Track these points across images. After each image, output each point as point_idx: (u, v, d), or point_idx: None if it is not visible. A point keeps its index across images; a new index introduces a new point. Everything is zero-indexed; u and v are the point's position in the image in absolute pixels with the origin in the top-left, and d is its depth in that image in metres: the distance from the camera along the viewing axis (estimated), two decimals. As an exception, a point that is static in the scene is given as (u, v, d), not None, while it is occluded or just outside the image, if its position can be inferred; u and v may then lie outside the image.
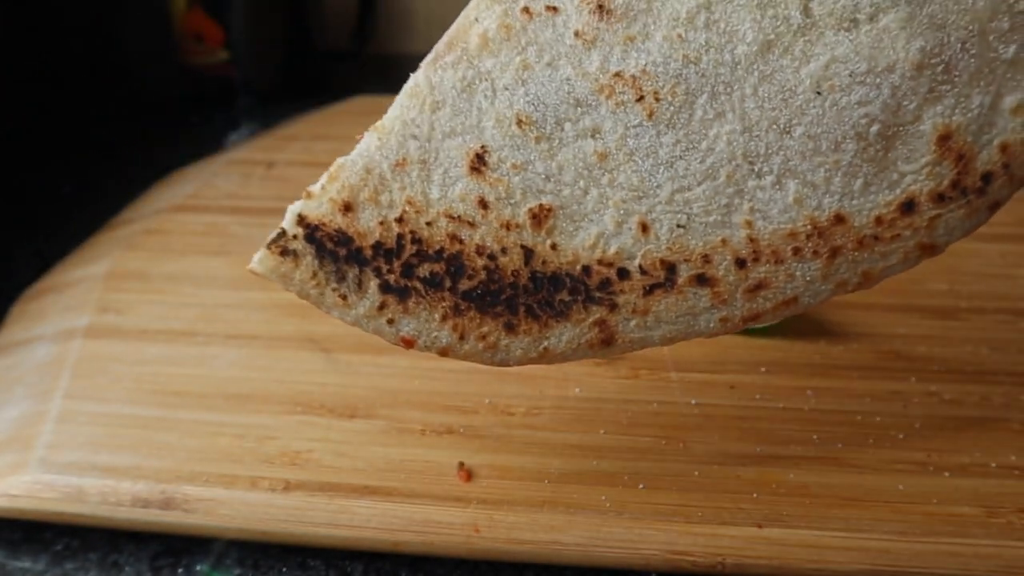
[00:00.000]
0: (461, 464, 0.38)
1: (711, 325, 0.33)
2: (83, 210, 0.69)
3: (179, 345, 0.46)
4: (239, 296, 0.50)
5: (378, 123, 0.32)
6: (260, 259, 0.31)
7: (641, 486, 0.37)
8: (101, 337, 0.47)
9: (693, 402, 0.42)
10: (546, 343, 0.32)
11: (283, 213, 0.31)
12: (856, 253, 0.32)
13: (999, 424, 0.40)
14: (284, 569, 0.37)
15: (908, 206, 0.32)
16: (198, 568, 0.37)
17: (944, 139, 0.32)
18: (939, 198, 0.32)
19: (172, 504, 0.37)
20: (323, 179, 0.31)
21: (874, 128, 0.32)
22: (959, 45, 0.31)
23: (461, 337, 0.32)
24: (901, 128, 0.32)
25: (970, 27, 0.31)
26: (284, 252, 0.31)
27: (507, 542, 0.36)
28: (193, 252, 0.55)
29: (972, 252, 0.56)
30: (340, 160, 0.31)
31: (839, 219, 0.32)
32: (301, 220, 0.31)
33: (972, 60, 0.31)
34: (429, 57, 0.32)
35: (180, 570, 0.37)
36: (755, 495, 0.37)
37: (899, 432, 0.40)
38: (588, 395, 0.42)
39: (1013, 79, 0.32)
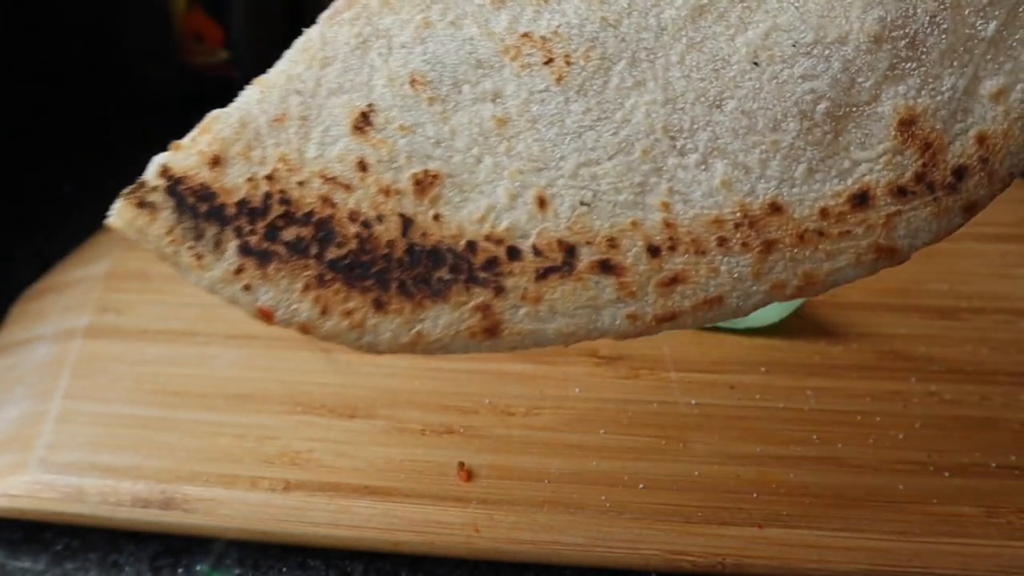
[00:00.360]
0: (461, 464, 0.38)
1: (617, 322, 0.29)
2: (83, 210, 0.69)
3: (179, 345, 0.46)
4: (239, 296, 0.50)
5: (263, 76, 0.29)
6: (117, 210, 0.28)
7: (641, 486, 0.37)
8: (101, 337, 0.47)
9: (693, 402, 0.42)
10: (419, 326, 0.28)
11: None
12: (795, 250, 0.28)
13: (999, 424, 0.40)
14: (284, 569, 0.37)
15: (861, 198, 0.28)
16: (198, 568, 0.37)
17: (907, 124, 0.28)
18: (899, 192, 0.28)
19: (172, 504, 0.37)
20: (195, 131, 0.29)
21: (821, 106, 0.28)
22: (927, 18, 0.28)
23: (323, 312, 0.28)
24: (855, 108, 0.28)
25: None
26: (142, 204, 0.28)
27: (507, 542, 0.36)
28: (193, 252, 0.55)
29: (972, 252, 0.56)
30: (215, 112, 0.29)
31: (775, 208, 0.28)
32: (164, 171, 0.28)
33: (943, 36, 0.28)
34: (327, 12, 0.29)
35: (180, 570, 0.37)
36: (755, 495, 0.37)
37: (899, 432, 0.40)
38: (588, 395, 0.42)
39: (994, 60, 0.28)
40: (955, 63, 0.28)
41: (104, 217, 0.70)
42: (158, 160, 0.29)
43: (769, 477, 0.37)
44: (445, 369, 0.44)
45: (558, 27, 0.28)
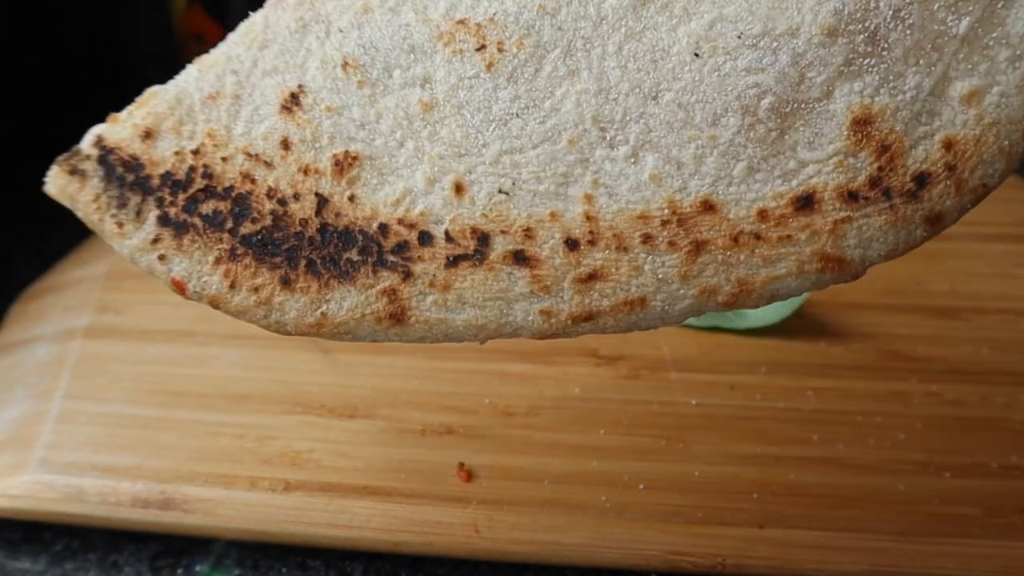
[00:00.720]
0: (461, 464, 0.38)
1: (531, 318, 0.28)
2: (83, 210, 0.68)
3: (179, 345, 0.46)
4: (239, 296, 0.50)
5: (204, 55, 0.30)
6: (51, 176, 0.29)
7: (641, 486, 0.37)
8: (101, 337, 0.47)
9: (693, 402, 0.42)
10: (325, 307, 0.28)
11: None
12: (729, 253, 0.27)
13: (1000, 424, 0.40)
14: (284, 569, 0.37)
15: (805, 201, 0.26)
16: (198, 568, 0.37)
17: (861, 123, 0.26)
18: (850, 196, 0.26)
19: (172, 504, 0.37)
20: (133, 104, 0.29)
21: (765, 101, 0.26)
22: (890, 12, 0.26)
23: (232, 286, 0.28)
24: (803, 105, 0.26)
25: None
26: (74, 171, 0.29)
27: (507, 542, 0.36)
28: (193, 252, 0.55)
29: (972, 252, 0.56)
30: (154, 88, 0.29)
31: (708, 206, 0.27)
32: (98, 141, 0.29)
33: (908, 32, 0.26)
34: None
35: (180, 570, 0.37)
36: (755, 495, 0.37)
37: (900, 432, 0.40)
38: (588, 395, 0.42)
39: (967, 60, 0.26)
40: (921, 61, 0.26)
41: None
42: (94, 131, 0.29)
43: (770, 477, 0.37)
44: (445, 369, 0.44)
45: (494, 14, 0.28)
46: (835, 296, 0.51)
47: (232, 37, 0.29)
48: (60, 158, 0.29)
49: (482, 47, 0.28)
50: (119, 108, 0.30)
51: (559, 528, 0.36)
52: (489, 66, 0.27)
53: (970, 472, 0.38)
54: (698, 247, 0.27)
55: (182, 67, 0.30)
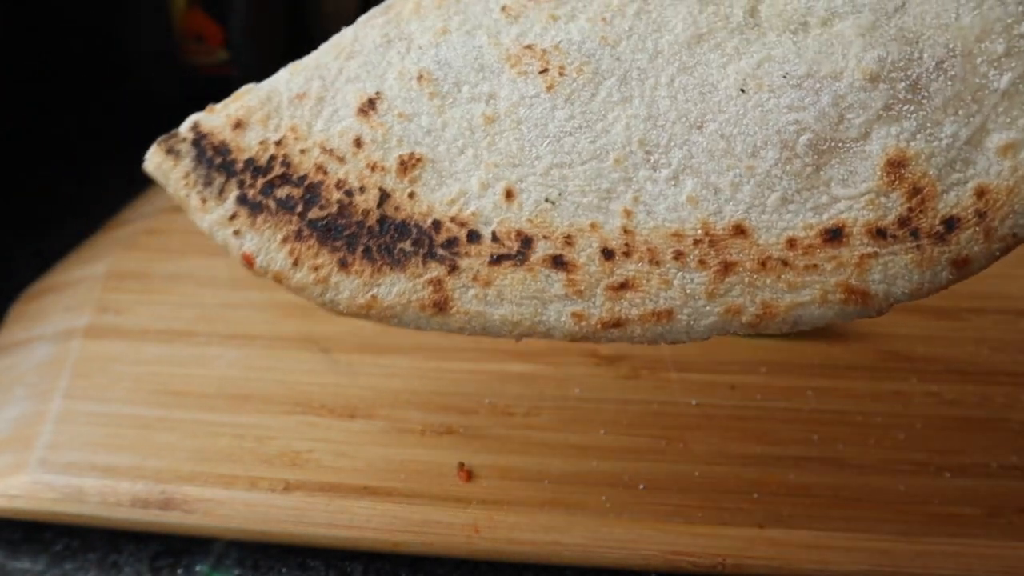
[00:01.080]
0: (461, 464, 0.38)
1: (563, 319, 0.29)
2: (83, 210, 0.69)
3: (179, 345, 0.46)
4: (239, 296, 0.50)
5: (297, 61, 0.33)
6: (150, 154, 0.33)
7: (641, 486, 0.37)
8: (101, 337, 0.47)
9: (693, 402, 0.42)
10: (376, 290, 0.30)
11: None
12: (756, 275, 0.28)
13: (1000, 424, 0.40)
14: (284, 569, 0.37)
15: (834, 234, 0.27)
16: (198, 568, 0.37)
17: (895, 165, 0.27)
18: (878, 233, 0.27)
19: (172, 504, 0.37)
20: (229, 98, 0.33)
21: (804, 138, 0.28)
22: (933, 63, 0.27)
23: (295, 263, 0.31)
24: (841, 144, 0.28)
25: (951, 45, 0.27)
26: (170, 151, 0.32)
27: (507, 542, 0.36)
28: (193, 252, 0.55)
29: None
30: (250, 85, 0.33)
31: (739, 230, 0.28)
32: (195, 127, 0.33)
33: (949, 83, 0.27)
34: (365, 16, 0.33)
35: (180, 570, 0.37)
36: (755, 495, 0.37)
37: (900, 432, 0.40)
38: (588, 395, 0.42)
39: (1007, 113, 0.27)
40: (960, 111, 0.27)
41: (104, 217, 0.71)
42: (192, 117, 0.33)
43: (769, 477, 0.37)
44: (445, 369, 0.44)
45: (559, 42, 0.30)
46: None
47: (324, 47, 0.33)
48: (160, 138, 0.33)
49: (545, 70, 0.30)
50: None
51: (559, 528, 0.36)
52: (549, 88, 0.30)
53: (970, 472, 0.38)
54: (727, 267, 0.28)
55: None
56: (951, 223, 0.27)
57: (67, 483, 0.38)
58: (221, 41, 0.87)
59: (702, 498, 0.37)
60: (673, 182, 0.29)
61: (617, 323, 0.29)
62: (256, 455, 0.39)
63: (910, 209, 0.27)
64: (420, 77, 0.31)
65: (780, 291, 0.28)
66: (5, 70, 0.75)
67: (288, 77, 0.33)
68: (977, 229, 0.27)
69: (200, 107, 0.33)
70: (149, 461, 0.39)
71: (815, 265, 0.28)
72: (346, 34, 0.33)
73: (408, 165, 0.30)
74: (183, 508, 0.37)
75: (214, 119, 0.33)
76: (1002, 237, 0.27)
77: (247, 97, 0.33)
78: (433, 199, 0.30)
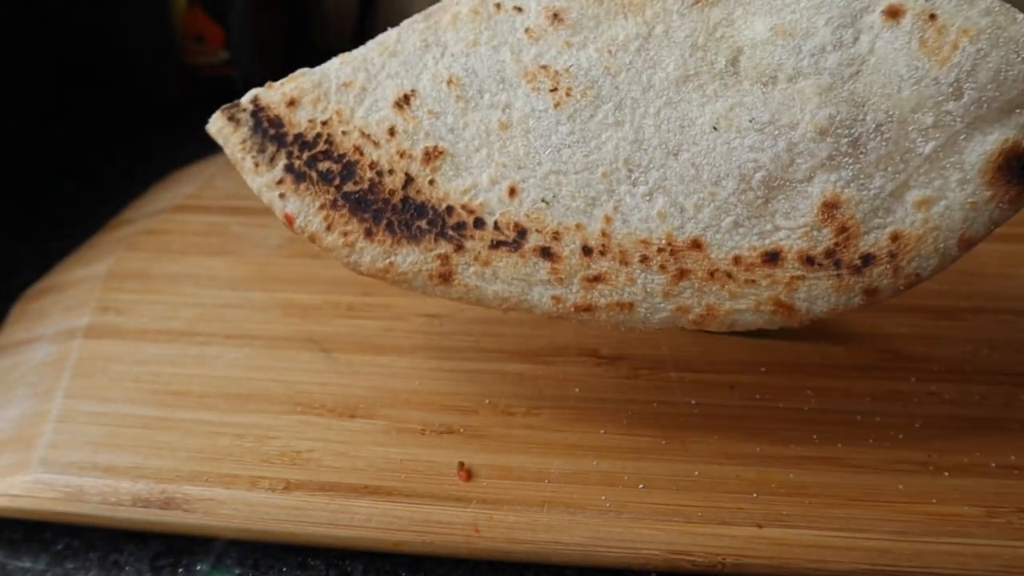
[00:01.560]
0: (461, 464, 0.38)
1: (544, 300, 0.34)
2: (84, 210, 0.69)
3: (179, 345, 0.46)
4: (239, 296, 0.50)
5: (347, 52, 0.37)
6: (213, 119, 0.37)
7: (641, 486, 0.37)
8: (101, 337, 0.47)
9: (693, 402, 0.42)
10: (393, 258, 0.35)
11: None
12: (704, 283, 0.33)
13: (999, 424, 0.40)
14: (284, 569, 0.37)
15: (772, 256, 0.33)
16: (198, 568, 0.37)
17: (830, 206, 0.32)
18: (808, 260, 0.33)
19: (172, 504, 0.37)
20: (285, 79, 0.37)
21: (759, 175, 0.33)
22: (874, 125, 0.32)
23: (328, 227, 0.35)
24: (788, 184, 0.33)
25: (890, 112, 0.32)
26: (231, 118, 0.37)
27: (507, 542, 0.36)
28: (193, 252, 0.55)
29: (972, 252, 0.56)
30: (304, 69, 0.37)
31: (696, 244, 0.33)
32: (255, 99, 0.37)
33: (884, 144, 0.32)
34: (409, 20, 0.37)
35: (180, 570, 0.37)
36: (755, 495, 0.37)
37: (899, 432, 0.40)
38: (588, 395, 0.42)
39: (926, 175, 0.32)
40: (889, 168, 0.32)
41: (105, 217, 0.71)
42: (253, 91, 0.37)
43: (769, 477, 0.37)
44: (445, 369, 0.44)
45: (570, 66, 0.35)
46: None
47: (372, 43, 0.37)
48: (224, 106, 0.37)
49: (555, 89, 0.35)
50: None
51: (559, 528, 0.36)
52: (557, 104, 0.34)
53: (969, 471, 0.38)
54: (682, 274, 0.33)
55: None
56: (867, 259, 0.32)
57: (68, 483, 0.38)
58: (221, 41, 0.87)
59: (702, 498, 0.37)
60: (648, 198, 0.34)
61: (588, 308, 0.34)
62: (256, 455, 0.39)
63: (836, 243, 0.33)
64: (450, 81, 0.35)
65: (723, 297, 0.33)
66: (6, 70, 0.75)
67: (338, 66, 0.37)
68: (888, 266, 0.32)
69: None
70: (150, 461, 0.39)
71: (753, 280, 0.33)
72: (391, 34, 0.37)
73: (432, 156, 0.35)
74: (184, 508, 0.37)
75: (272, 95, 0.37)
76: (907, 275, 0.33)
77: (301, 79, 0.37)
78: (449, 187, 0.35)
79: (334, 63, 0.37)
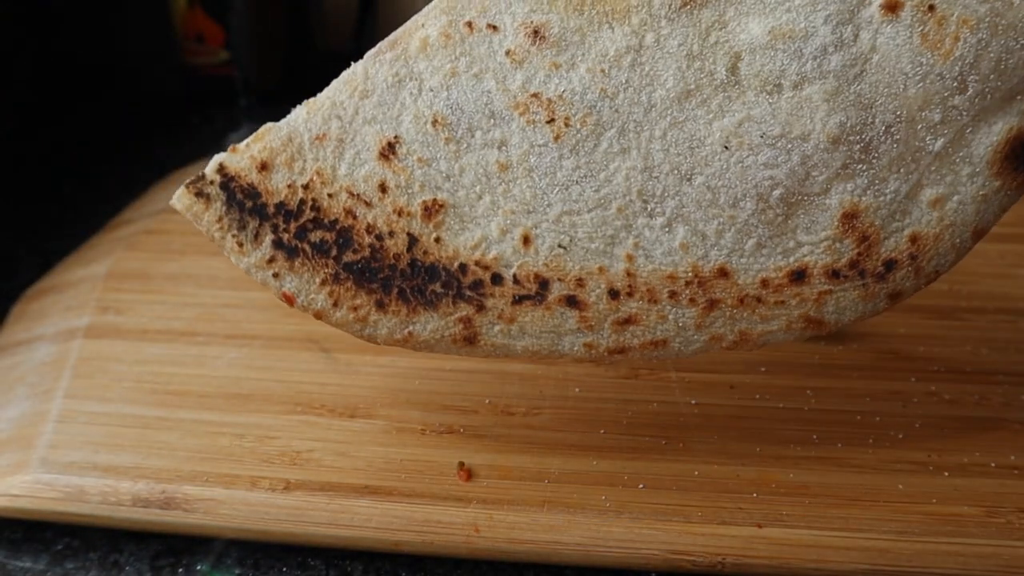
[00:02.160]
0: (461, 464, 0.38)
1: (575, 348, 0.34)
2: (83, 210, 0.69)
3: (179, 345, 0.46)
4: (239, 296, 0.50)
5: (312, 99, 0.33)
6: (179, 196, 0.33)
7: (641, 486, 0.37)
8: (102, 337, 0.47)
9: (693, 402, 0.42)
10: (411, 327, 0.33)
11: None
12: (735, 310, 0.33)
13: (999, 424, 0.40)
14: (284, 569, 0.37)
15: (799, 275, 0.33)
16: (198, 567, 0.37)
17: (849, 217, 0.32)
18: (834, 274, 0.33)
19: (172, 504, 0.37)
20: (250, 138, 0.33)
21: (777, 192, 0.32)
22: (883, 128, 0.32)
23: (335, 304, 0.33)
24: (806, 198, 0.32)
25: (898, 112, 0.32)
26: (199, 194, 0.33)
27: (507, 542, 0.36)
28: (193, 252, 0.55)
29: (972, 252, 0.56)
30: (269, 124, 0.33)
31: (723, 273, 0.33)
32: (221, 169, 0.33)
33: (895, 145, 0.32)
34: (372, 51, 0.33)
35: (180, 570, 0.37)
36: (755, 495, 0.37)
37: (899, 432, 0.40)
38: (588, 395, 0.42)
39: (937, 172, 0.32)
40: (902, 170, 0.32)
41: (105, 217, 0.71)
42: (217, 159, 0.33)
43: (769, 477, 0.37)
44: (445, 369, 0.44)
45: (563, 92, 0.32)
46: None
47: (335, 83, 0.34)
48: (188, 181, 0.33)
49: (551, 120, 0.32)
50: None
51: (559, 528, 0.36)
52: (556, 137, 0.32)
53: (969, 471, 0.38)
54: (712, 304, 0.33)
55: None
56: (890, 264, 0.32)
57: (68, 483, 0.38)
58: (221, 41, 0.87)
59: (702, 497, 0.37)
60: (667, 229, 0.33)
61: (621, 351, 0.33)
62: (256, 455, 0.39)
63: (859, 253, 0.32)
64: (435, 121, 0.33)
65: (754, 322, 0.33)
66: (6, 70, 0.75)
67: (306, 117, 0.33)
68: (910, 268, 0.33)
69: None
70: (150, 461, 0.39)
71: (783, 301, 0.33)
72: (357, 71, 0.33)
73: (432, 211, 0.33)
74: (184, 507, 0.37)
75: (239, 160, 0.33)
76: (928, 274, 0.33)
77: (268, 137, 0.33)
78: (458, 243, 0.33)
79: (300, 113, 0.34)
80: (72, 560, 0.38)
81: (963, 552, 0.34)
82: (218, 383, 0.43)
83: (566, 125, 0.32)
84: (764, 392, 0.42)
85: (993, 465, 0.38)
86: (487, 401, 0.42)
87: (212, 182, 0.33)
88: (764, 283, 0.33)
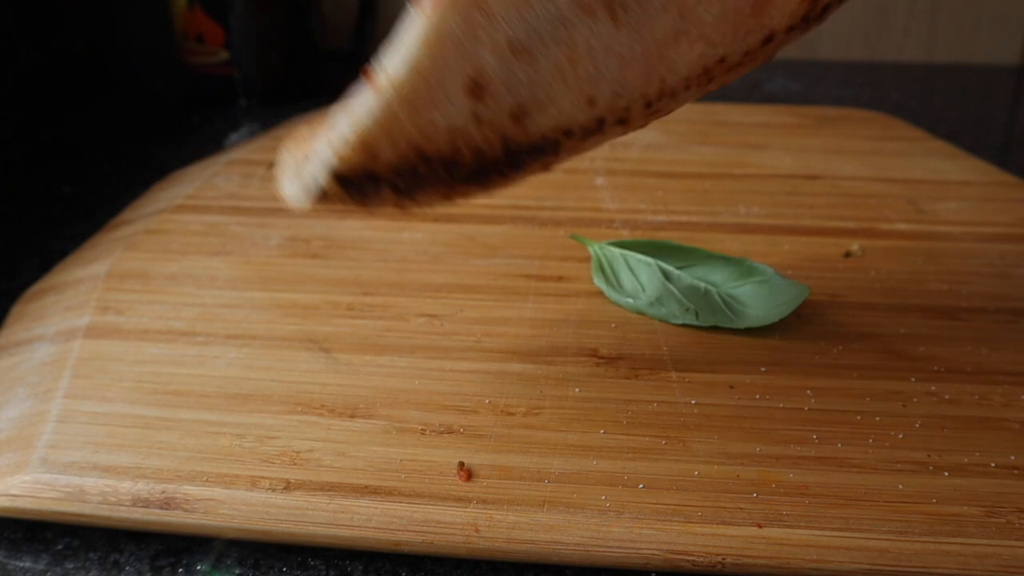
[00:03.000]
0: (461, 464, 0.38)
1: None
2: (83, 210, 0.69)
3: (179, 345, 0.46)
4: (239, 296, 0.50)
5: (382, 67, 0.34)
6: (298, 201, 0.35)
7: (641, 486, 0.37)
8: (101, 337, 0.47)
9: (693, 402, 0.42)
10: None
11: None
12: (726, 75, 0.38)
13: (999, 424, 0.40)
14: (284, 569, 0.37)
15: (768, 40, 0.37)
16: (198, 567, 0.37)
17: None
18: (789, 29, 0.37)
19: (172, 504, 0.37)
20: (342, 130, 0.34)
21: None
22: None
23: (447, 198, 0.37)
24: None
25: None
26: (321, 198, 0.35)
27: (507, 542, 0.36)
28: (193, 252, 0.55)
29: (972, 252, 0.56)
30: (351, 108, 0.34)
31: (721, 60, 0.37)
32: (333, 174, 0.35)
33: None
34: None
35: (180, 569, 0.37)
36: (755, 495, 0.37)
37: (899, 432, 0.40)
38: (588, 395, 0.42)
39: None
40: None
41: (105, 217, 0.70)
42: (323, 163, 0.34)
43: (769, 477, 0.37)
44: (445, 369, 0.44)
45: None
46: (834, 296, 0.51)
47: (405, 42, 0.34)
48: (313, 199, 0.35)
49: (611, 8, 0.35)
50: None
51: (559, 528, 0.36)
52: (613, 18, 0.35)
53: (969, 471, 0.38)
54: (710, 79, 0.38)
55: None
56: (827, 7, 0.37)
57: (68, 483, 0.38)
58: (221, 41, 0.87)
59: (702, 498, 0.37)
60: (689, 50, 0.36)
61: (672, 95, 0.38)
62: (256, 455, 0.39)
63: (808, 9, 0.36)
64: (511, 46, 0.34)
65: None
66: (6, 70, 0.75)
67: (389, 83, 0.35)
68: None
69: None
70: (150, 461, 0.39)
71: (756, 58, 0.37)
72: (421, 24, 0.34)
73: (518, 116, 0.36)
74: (184, 507, 0.37)
75: (342, 157, 0.34)
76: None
77: (359, 123, 0.35)
78: (539, 126, 0.36)
79: (380, 81, 0.35)
80: (72, 560, 0.38)
81: (963, 552, 0.34)
82: (218, 383, 0.43)
83: (623, 10, 0.35)
84: (764, 392, 0.42)
85: (993, 465, 0.38)
86: (487, 401, 0.42)
87: (326, 185, 0.35)
88: (747, 54, 0.37)
